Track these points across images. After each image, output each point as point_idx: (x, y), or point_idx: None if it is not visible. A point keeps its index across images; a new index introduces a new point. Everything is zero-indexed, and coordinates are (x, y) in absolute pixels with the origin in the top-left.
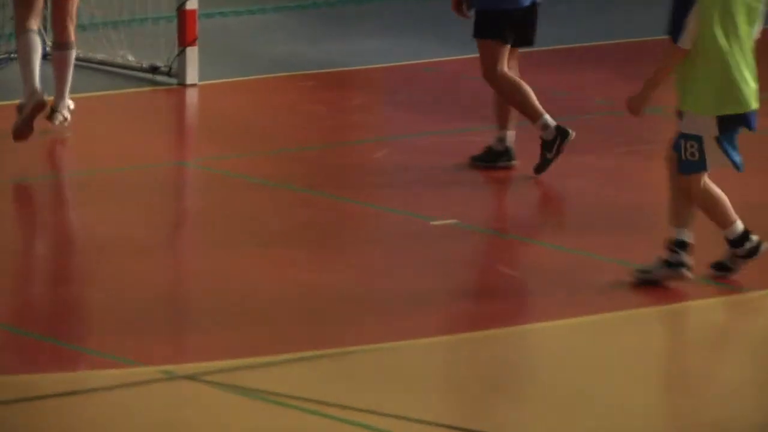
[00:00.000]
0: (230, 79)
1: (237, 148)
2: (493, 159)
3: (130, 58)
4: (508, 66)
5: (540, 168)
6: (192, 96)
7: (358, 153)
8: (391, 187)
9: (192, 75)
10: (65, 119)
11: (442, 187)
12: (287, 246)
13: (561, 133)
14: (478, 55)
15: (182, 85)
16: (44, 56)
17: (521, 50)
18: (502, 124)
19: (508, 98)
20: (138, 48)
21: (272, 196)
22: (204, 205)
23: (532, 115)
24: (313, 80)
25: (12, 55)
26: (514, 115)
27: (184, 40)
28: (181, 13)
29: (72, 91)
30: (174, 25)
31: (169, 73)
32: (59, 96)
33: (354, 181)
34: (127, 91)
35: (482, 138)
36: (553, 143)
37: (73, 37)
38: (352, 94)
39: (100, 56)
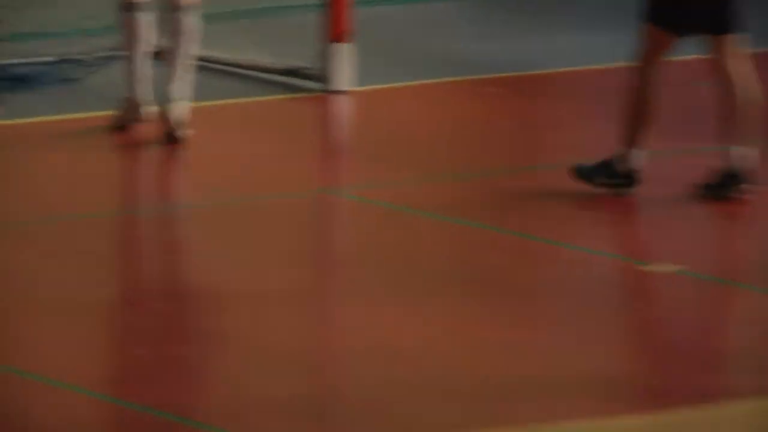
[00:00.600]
0: (391, 85)
1: (399, 173)
2: (728, 184)
3: (265, 58)
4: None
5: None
6: (343, 105)
7: (551, 179)
8: (593, 222)
9: (343, 79)
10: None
11: (659, 221)
12: (461, 295)
13: None
14: (711, 55)
15: (330, 91)
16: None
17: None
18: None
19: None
20: (274, 45)
21: (442, 233)
22: (357, 245)
23: None
24: (497, 86)
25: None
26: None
27: (334, 35)
28: (331, 1)
29: (192, 98)
30: (320, 16)
31: (313, 77)
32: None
33: (545, 214)
34: (260, 99)
35: (710, 161)
36: None
37: None
38: (546, 104)
39: (226, 56)
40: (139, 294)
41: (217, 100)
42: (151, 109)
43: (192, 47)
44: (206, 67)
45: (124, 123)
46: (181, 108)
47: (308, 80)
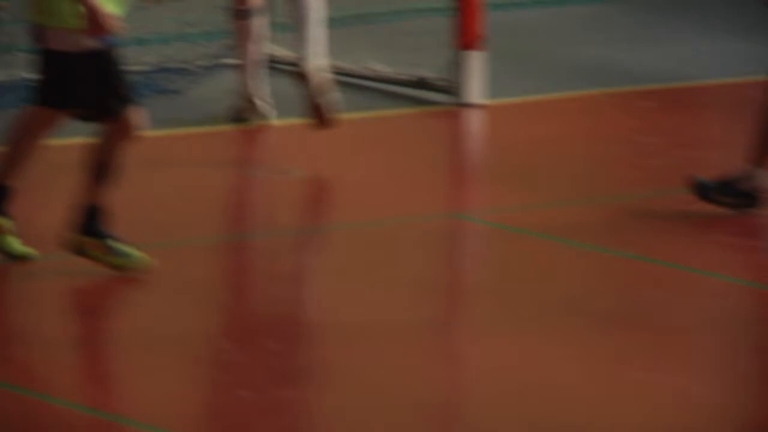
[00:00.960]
0: (525, 98)
1: (533, 195)
2: None
3: (388, 67)
4: None
5: None
6: (473, 120)
7: (701, 203)
8: (754, 251)
9: (474, 91)
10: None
11: None
12: (606, 331)
13: None
14: None
15: (460, 104)
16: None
17: None
18: None
19: None
20: (398, 53)
21: (579, 261)
22: (487, 274)
23: None
24: (645, 99)
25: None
26: None
27: (464, 43)
28: (462, 4)
29: (298, 112)
30: (449, 20)
31: (442, 89)
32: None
33: (695, 241)
34: (383, 114)
35: None
36: None
37: None
38: (696, 119)
39: (345, 65)
40: (248, 327)
41: (339, 114)
42: (268, 111)
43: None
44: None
45: (242, 118)
46: (321, 74)
47: (436, 92)
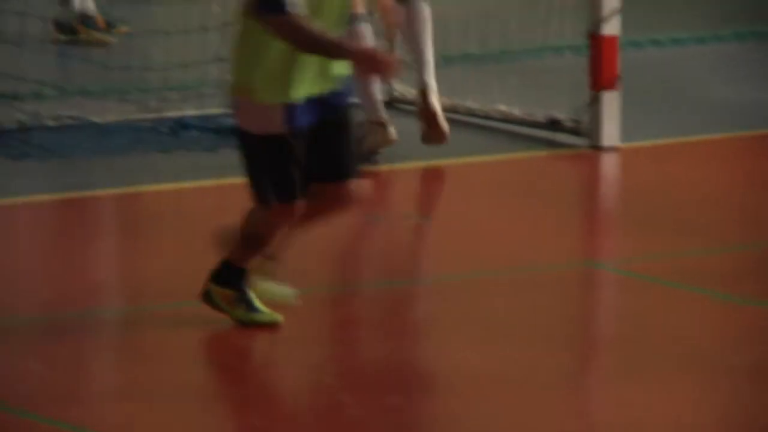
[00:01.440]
0: (663, 140)
1: (671, 243)
2: None
3: (517, 108)
4: None
5: None
6: (610, 164)
7: None
8: None
9: (611, 133)
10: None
11: None
12: (747, 386)
13: None
14: None
15: (593, 147)
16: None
17: None
18: None
19: None
20: (530, 92)
21: (718, 312)
22: (620, 325)
23: None
24: None
25: None
26: None
27: (599, 82)
28: (596, 41)
29: (434, 154)
30: (583, 58)
31: (575, 131)
32: (423, 72)
33: None
34: (513, 156)
35: None
36: None
37: None
38: None
39: (472, 105)
40: (367, 380)
41: (464, 156)
42: (393, 132)
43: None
44: (452, 118)
45: (377, 148)
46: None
47: (568, 134)
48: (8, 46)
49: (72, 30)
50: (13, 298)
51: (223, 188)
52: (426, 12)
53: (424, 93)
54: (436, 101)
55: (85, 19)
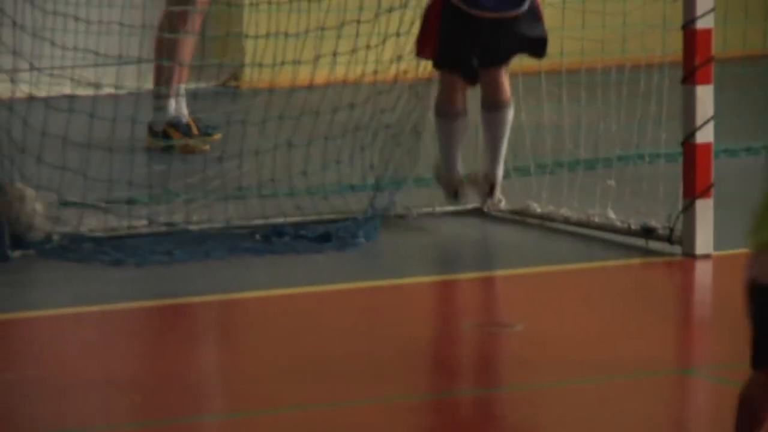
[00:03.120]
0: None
1: None
2: None
3: (610, 214)
4: None
5: None
6: (703, 272)
7: None
8: None
9: (704, 241)
10: (500, 200)
11: None
12: None
13: None
14: None
15: (690, 255)
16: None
17: None
18: None
19: None
20: (622, 199)
21: None
22: None
23: None
24: None
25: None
26: None
27: (693, 190)
28: (689, 149)
29: (529, 261)
30: (676, 165)
31: (669, 238)
32: (492, 166)
33: None
34: (605, 264)
35: None
36: None
37: (508, 94)
38: None
39: (564, 212)
40: None
41: (555, 264)
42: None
43: (507, 120)
44: (543, 225)
45: (456, 191)
46: (499, 172)
47: (660, 241)
48: (100, 151)
49: (167, 135)
50: (109, 406)
51: (316, 295)
52: (510, 116)
53: (492, 185)
54: (498, 191)
55: (180, 125)
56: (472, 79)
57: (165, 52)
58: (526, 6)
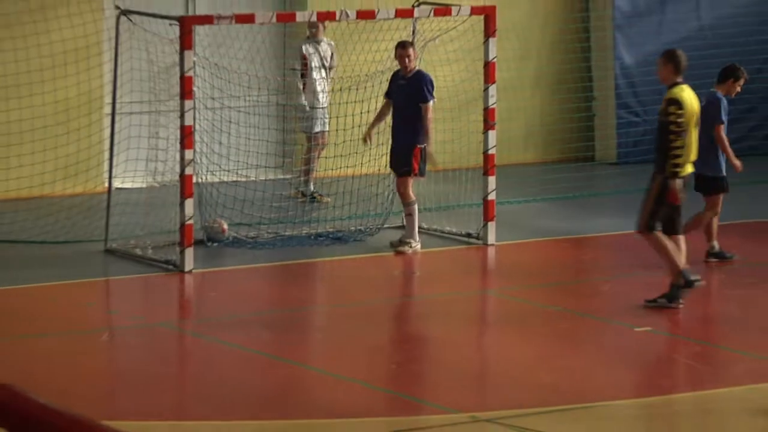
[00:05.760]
0: (517, 241)
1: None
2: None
3: (454, 228)
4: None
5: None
6: (491, 251)
7: None
8: None
9: (491, 238)
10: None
11: None
12: None
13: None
14: None
15: (485, 245)
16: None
17: None
18: None
19: None
20: (458, 222)
21: None
22: None
23: None
24: (565, 242)
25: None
26: None
27: (487, 217)
28: (485, 202)
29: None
30: (481, 208)
31: (477, 237)
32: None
33: None
34: (451, 248)
35: None
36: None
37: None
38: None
39: (435, 226)
40: None
41: (432, 248)
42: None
43: None
44: (428, 233)
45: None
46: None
47: (474, 239)
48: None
49: (311, 196)
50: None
51: (340, 261)
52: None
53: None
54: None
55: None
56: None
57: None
58: None
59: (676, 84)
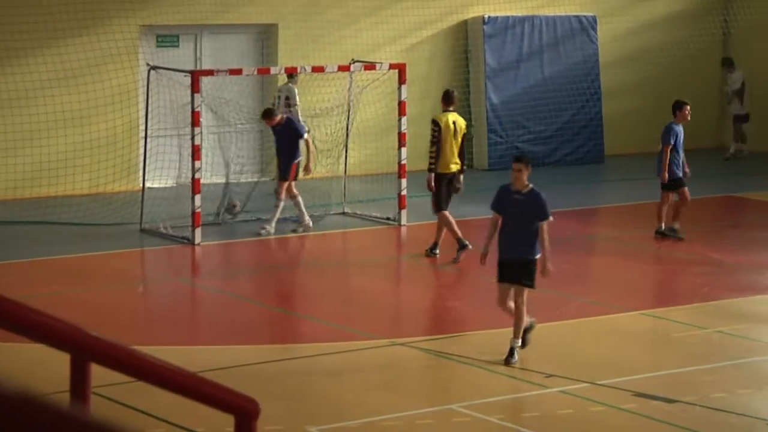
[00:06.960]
0: (420, 222)
1: None
2: None
3: (378, 213)
4: None
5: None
6: (405, 231)
7: None
8: None
9: (404, 221)
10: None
11: None
12: None
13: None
14: None
15: (398, 225)
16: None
17: None
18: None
19: None
20: (383, 210)
21: None
22: None
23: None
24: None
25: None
26: None
27: (401, 206)
28: (399, 196)
29: (346, 227)
30: (396, 200)
31: (394, 219)
32: None
33: None
34: (371, 228)
35: None
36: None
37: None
38: None
39: (365, 212)
40: None
41: (349, 228)
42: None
43: None
44: (361, 217)
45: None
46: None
47: (391, 221)
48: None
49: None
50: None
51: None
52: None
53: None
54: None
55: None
56: None
57: None
58: None
59: (445, 111)
